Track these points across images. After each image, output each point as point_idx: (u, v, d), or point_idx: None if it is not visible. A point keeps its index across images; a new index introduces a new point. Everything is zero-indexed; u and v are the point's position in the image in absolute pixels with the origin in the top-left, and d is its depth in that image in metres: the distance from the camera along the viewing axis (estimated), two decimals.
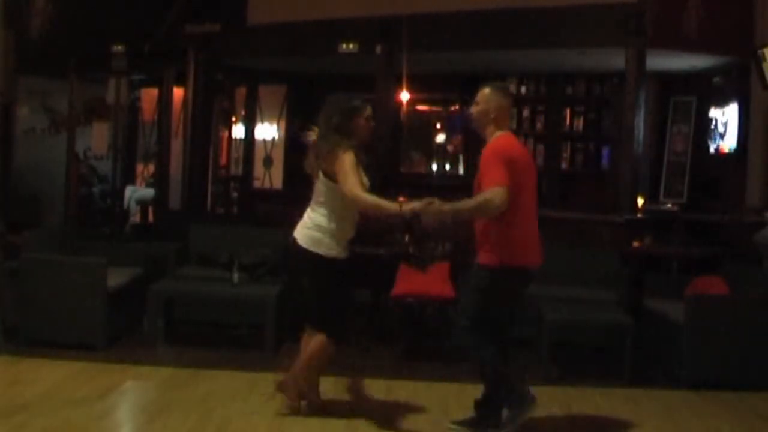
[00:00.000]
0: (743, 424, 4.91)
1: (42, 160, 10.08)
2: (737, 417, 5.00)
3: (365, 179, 4.50)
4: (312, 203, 4.60)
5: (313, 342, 4.63)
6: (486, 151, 4.39)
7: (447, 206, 4.30)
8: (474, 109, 4.51)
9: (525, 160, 4.49)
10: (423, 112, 10.73)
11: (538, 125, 9.86)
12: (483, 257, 4.40)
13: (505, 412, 4.39)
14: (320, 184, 4.54)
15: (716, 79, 8.74)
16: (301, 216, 4.63)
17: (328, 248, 4.50)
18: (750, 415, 5.06)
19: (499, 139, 4.43)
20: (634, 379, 5.61)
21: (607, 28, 7.53)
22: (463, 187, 10.23)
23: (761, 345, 5.55)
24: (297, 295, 4.83)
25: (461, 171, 10.55)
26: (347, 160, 4.39)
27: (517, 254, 4.37)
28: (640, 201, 8.05)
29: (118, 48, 9.44)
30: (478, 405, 4.55)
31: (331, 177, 4.45)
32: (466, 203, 4.33)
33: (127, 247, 7.36)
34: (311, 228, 4.54)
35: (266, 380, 5.00)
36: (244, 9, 9.11)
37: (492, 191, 4.20)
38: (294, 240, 4.58)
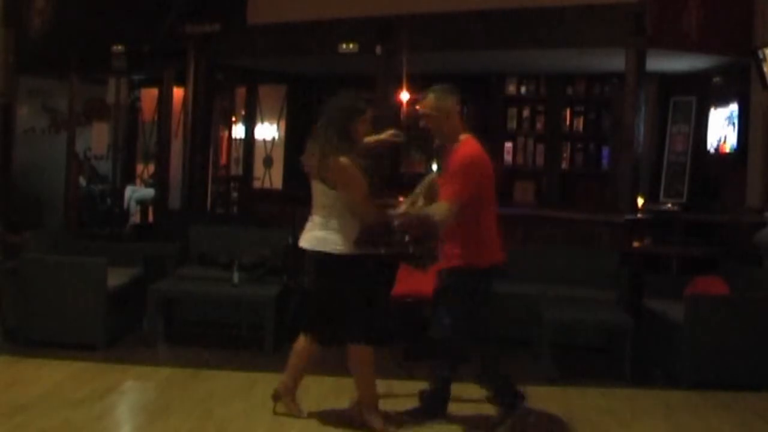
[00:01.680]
0: (743, 424, 4.91)
1: (42, 160, 10.08)
2: (737, 417, 5.01)
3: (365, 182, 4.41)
4: (314, 208, 4.52)
5: (298, 344, 4.63)
6: (455, 160, 4.44)
7: (412, 211, 4.42)
8: (429, 123, 4.48)
9: (488, 163, 4.54)
10: None
11: (538, 125, 9.84)
12: (454, 260, 4.46)
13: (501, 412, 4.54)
14: (317, 186, 4.47)
15: (716, 79, 8.73)
16: (301, 217, 4.62)
17: (335, 244, 4.40)
18: (750, 415, 5.07)
19: (465, 146, 4.48)
20: (634, 379, 5.61)
21: (607, 28, 7.52)
22: None
23: (761, 345, 5.56)
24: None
25: None
26: (350, 169, 4.32)
27: (486, 254, 4.50)
28: (640, 201, 8.05)
29: (118, 48, 9.43)
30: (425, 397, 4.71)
31: (328, 182, 4.38)
32: (435, 215, 4.35)
33: (127, 247, 7.37)
34: (316, 227, 4.47)
35: (266, 380, 5.00)
36: (244, 9, 9.09)
37: (444, 205, 4.31)
38: (303, 250, 4.52)
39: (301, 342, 4.64)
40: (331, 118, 4.44)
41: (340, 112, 4.43)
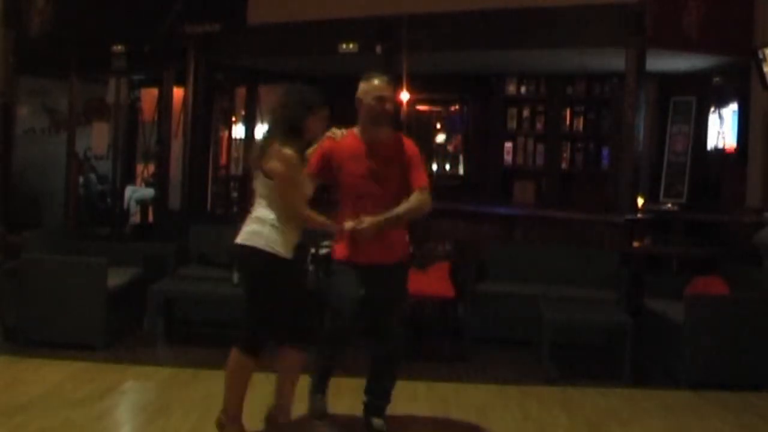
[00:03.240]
0: (743, 424, 4.91)
1: (42, 160, 10.08)
2: (737, 417, 5.01)
3: (310, 184, 4.21)
4: (255, 202, 4.24)
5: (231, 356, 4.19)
6: (410, 148, 4.37)
7: (383, 217, 4.16)
8: (390, 107, 4.31)
9: None
10: (423, 112, 10.72)
11: (538, 125, 9.84)
12: (403, 254, 4.46)
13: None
14: (260, 181, 4.19)
15: (716, 79, 8.73)
16: None
17: (269, 241, 4.03)
18: (750, 415, 5.07)
19: (402, 136, 4.45)
20: (634, 379, 5.61)
21: (607, 28, 7.52)
22: (464, 186, 10.26)
23: (761, 345, 5.56)
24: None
25: (461, 171, 10.55)
26: (290, 164, 4.01)
27: None
28: (640, 201, 8.05)
29: (118, 48, 9.43)
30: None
31: (269, 173, 4.09)
32: (404, 207, 4.21)
33: (127, 247, 7.36)
34: (252, 221, 4.13)
35: (266, 380, 4.98)
36: (244, 9, 9.09)
37: (426, 193, 4.25)
38: (236, 244, 4.13)
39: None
40: (283, 111, 4.14)
41: (295, 104, 4.14)
